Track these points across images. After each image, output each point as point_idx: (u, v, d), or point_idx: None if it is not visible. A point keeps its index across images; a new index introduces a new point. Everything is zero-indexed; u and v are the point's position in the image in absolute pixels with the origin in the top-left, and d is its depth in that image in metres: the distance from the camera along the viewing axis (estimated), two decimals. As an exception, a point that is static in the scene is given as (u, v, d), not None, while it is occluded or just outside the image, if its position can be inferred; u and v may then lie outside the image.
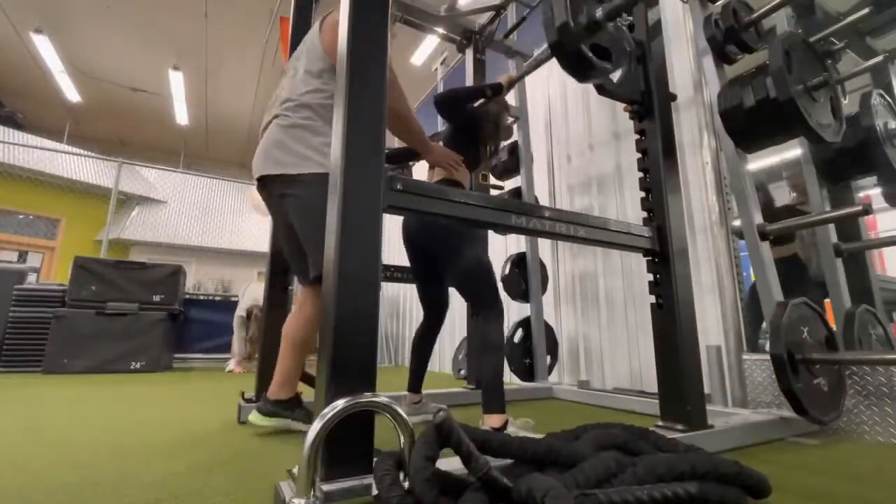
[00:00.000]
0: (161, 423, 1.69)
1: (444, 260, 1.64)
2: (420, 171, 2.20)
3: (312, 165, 1.44)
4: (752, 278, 1.70)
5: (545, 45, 3.40)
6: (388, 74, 1.37)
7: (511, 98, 3.23)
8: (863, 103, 1.99)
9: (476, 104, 1.82)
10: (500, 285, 1.76)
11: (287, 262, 1.80)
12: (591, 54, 1.18)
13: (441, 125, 5.37)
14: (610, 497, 0.68)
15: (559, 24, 1.14)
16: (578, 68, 1.21)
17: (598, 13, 1.19)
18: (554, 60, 3.71)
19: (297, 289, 1.88)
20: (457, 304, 2.29)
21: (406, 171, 2.45)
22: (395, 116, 1.43)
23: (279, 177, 1.48)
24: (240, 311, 4.41)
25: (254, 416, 1.53)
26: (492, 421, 1.37)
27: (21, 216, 8.11)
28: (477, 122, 1.77)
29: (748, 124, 1.65)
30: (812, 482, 1.03)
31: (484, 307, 1.52)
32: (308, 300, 1.59)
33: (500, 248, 3.53)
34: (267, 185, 1.55)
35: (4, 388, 2.72)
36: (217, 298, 6.27)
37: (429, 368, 1.91)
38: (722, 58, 1.89)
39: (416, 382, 1.84)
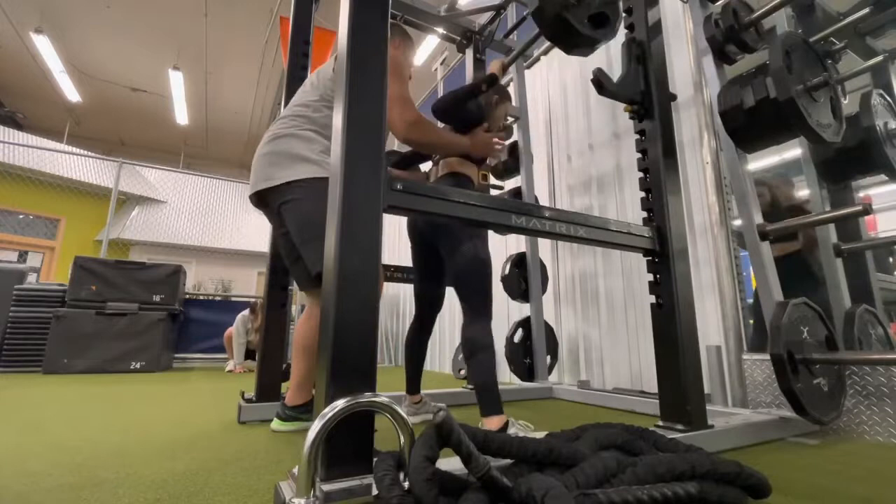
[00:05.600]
0: (161, 423, 1.69)
1: (443, 249, 1.60)
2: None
3: (304, 171, 1.43)
4: (753, 279, 1.70)
5: (547, 43, 3.40)
6: (410, 114, 1.35)
7: (511, 98, 3.24)
8: (863, 103, 1.98)
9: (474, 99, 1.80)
10: (498, 285, 1.72)
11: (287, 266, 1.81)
12: (591, 31, 1.11)
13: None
14: (610, 497, 0.68)
15: (553, 15, 1.08)
16: (570, 41, 1.14)
17: None
18: (553, 60, 3.67)
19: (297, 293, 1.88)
20: (458, 304, 2.29)
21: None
22: (432, 147, 1.40)
23: (274, 189, 1.47)
24: (237, 324, 4.41)
25: (274, 423, 1.60)
26: (491, 424, 1.35)
27: (21, 216, 8.12)
28: (479, 119, 1.73)
29: (748, 124, 1.65)
30: (812, 482, 1.03)
31: (472, 311, 1.47)
32: (315, 306, 1.61)
33: (501, 248, 3.53)
34: (264, 199, 1.54)
35: (4, 388, 2.72)
36: (217, 298, 6.28)
37: (429, 368, 1.90)
38: (722, 58, 1.89)
39: (413, 384, 1.82)
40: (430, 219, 1.58)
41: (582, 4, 1.12)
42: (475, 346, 1.41)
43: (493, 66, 1.81)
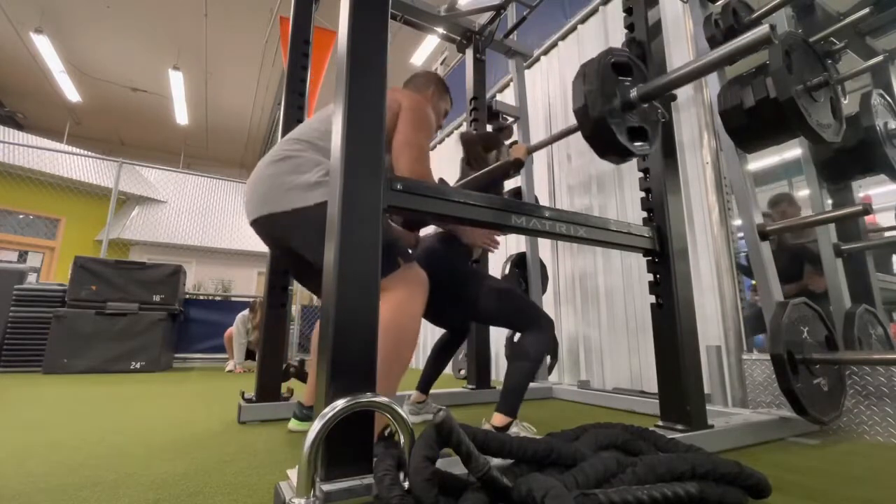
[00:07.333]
0: (161, 423, 1.69)
1: (453, 308, 1.61)
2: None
3: (309, 198, 1.26)
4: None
5: (545, 45, 3.41)
6: (410, 133, 1.30)
7: (511, 98, 3.24)
8: (863, 103, 1.98)
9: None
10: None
11: (288, 264, 1.78)
12: (627, 143, 1.16)
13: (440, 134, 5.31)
14: (610, 497, 0.68)
15: (596, 118, 1.13)
16: (616, 155, 1.21)
17: (633, 95, 1.19)
18: (553, 59, 3.65)
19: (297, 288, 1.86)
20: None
21: None
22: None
23: (274, 215, 1.31)
24: (237, 324, 4.40)
25: (292, 422, 1.61)
26: (496, 420, 1.37)
27: (21, 216, 8.12)
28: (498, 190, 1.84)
29: (748, 124, 1.64)
30: (812, 482, 1.03)
31: (524, 328, 1.47)
32: None
33: (501, 248, 3.53)
34: (262, 224, 1.37)
35: (4, 388, 2.72)
36: (217, 298, 6.28)
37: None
38: (722, 58, 1.89)
39: (426, 383, 1.86)
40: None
41: (624, 117, 1.19)
42: (522, 354, 1.43)
43: (518, 152, 1.77)
